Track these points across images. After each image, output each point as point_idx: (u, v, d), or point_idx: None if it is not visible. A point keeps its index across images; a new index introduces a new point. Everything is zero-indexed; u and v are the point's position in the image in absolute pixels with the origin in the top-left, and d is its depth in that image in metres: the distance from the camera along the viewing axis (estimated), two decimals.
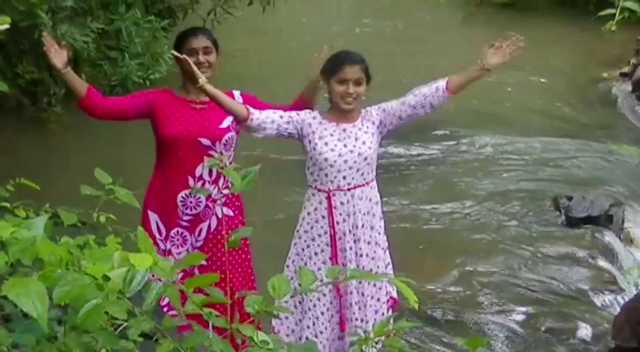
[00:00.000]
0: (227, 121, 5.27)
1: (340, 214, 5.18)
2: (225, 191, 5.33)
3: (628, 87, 12.44)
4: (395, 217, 8.17)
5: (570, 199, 8.44)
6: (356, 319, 5.28)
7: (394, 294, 5.41)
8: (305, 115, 5.20)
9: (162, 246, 5.33)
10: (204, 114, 5.30)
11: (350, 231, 5.21)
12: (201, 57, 5.19)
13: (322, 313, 5.33)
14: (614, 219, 8.27)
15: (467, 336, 6.21)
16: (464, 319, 6.70)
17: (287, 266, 5.36)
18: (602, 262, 7.62)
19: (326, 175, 5.15)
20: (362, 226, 5.23)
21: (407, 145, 10.08)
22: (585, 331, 6.56)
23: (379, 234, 5.35)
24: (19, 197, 5.49)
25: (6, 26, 2.06)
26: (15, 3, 7.91)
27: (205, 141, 5.25)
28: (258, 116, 5.05)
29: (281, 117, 5.14)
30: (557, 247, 7.82)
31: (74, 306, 2.25)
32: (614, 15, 14.78)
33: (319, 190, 5.20)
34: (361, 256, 5.26)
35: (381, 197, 5.37)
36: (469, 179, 9.33)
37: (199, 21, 11.42)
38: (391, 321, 3.40)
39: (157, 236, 5.34)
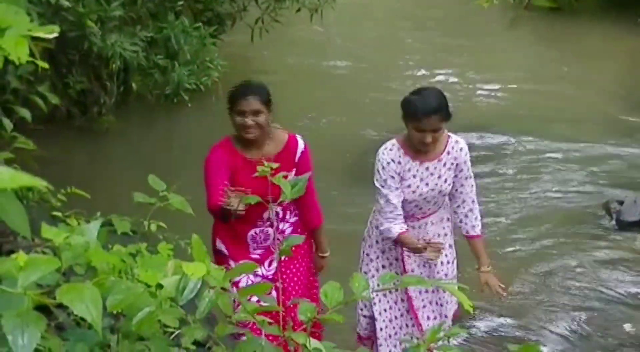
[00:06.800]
0: (293, 172, 5.14)
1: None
2: (293, 219, 5.33)
3: None
4: None
5: (621, 203, 8.36)
6: (428, 318, 5.35)
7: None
8: (391, 166, 5.02)
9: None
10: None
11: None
12: (249, 121, 4.97)
13: (395, 317, 5.40)
14: None
15: (519, 342, 6.17)
16: (515, 325, 6.65)
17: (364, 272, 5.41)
18: None
19: (402, 208, 5.11)
20: None
21: None
22: (637, 335, 6.49)
23: (449, 246, 5.39)
24: (70, 207, 5.54)
25: (55, 35, 2.06)
26: (65, 13, 7.99)
27: None
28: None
29: (396, 189, 5.04)
30: (608, 251, 7.75)
31: (127, 313, 2.25)
32: None
33: None
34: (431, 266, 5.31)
35: None
36: (519, 184, 9.28)
37: (246, 29, 11.45)
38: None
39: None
